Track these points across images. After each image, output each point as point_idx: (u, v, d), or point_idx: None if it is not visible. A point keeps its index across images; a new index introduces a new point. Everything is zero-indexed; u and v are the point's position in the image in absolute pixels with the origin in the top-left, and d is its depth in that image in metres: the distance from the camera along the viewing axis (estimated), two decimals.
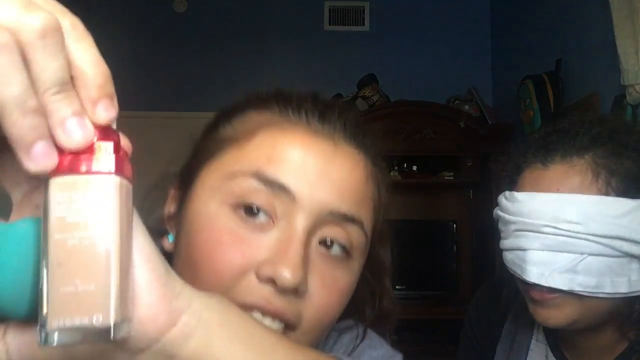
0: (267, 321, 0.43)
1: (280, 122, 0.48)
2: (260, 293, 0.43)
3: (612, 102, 1.97)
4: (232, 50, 3.58)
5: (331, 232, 0.46)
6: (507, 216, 0.69)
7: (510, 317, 0.82)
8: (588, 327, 0.69)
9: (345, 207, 0.45)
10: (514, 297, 0.80)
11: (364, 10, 3.64)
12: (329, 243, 0.46)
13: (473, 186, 3.31)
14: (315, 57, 3.58)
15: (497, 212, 0.73)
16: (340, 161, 0.46)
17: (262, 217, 0.44)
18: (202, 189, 0.47)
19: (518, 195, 0.68)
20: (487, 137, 3.04)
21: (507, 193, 0.71)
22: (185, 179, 0.50)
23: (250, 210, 0.44)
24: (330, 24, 3.63)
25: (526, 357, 0.78)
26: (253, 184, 0.44)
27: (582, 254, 0.62)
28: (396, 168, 3.17)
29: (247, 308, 0.42)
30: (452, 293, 3.20)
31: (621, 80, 1.84)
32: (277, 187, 0.44)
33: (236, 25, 3.63)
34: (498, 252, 0.73)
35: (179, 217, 0.49)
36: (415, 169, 3.18)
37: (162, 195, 0.53)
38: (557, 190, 0.64)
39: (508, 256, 0.70)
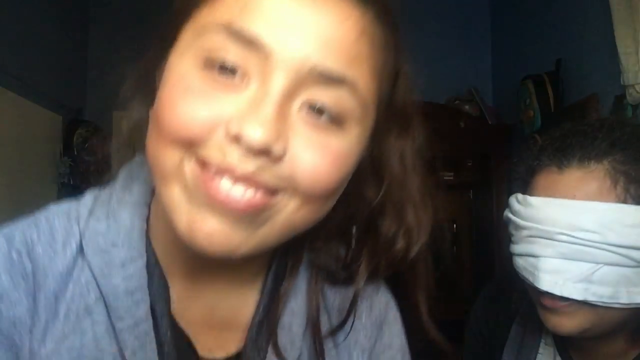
0: (239, 189, 0.37)
1: None
2: (229, 153, 0.37)
3: (612, 102, 1.96)
4: None
5: (317, 94, 0.38)
6: (519, 221, 0.66)
7: (518, 319, 0.80)
8: (600, 335, 0.67)
9: (330, 63, 0.38)
10: (521, 299, 0.78)
11: None
12: (317, 108, 0.39)
13: (473, 186, 3.30)
14: None
15: (508, 215, 0.70)
16: (327, 12, 0.38)
17: (236, 78, 0.38)
18: (175, 50, 0.42)
19: (532, 199, 0.65)
20: (487, 137, 3.03)
21: (519, 196, 0.68)
22: (169, 42, 0.44)
23: (224, 70, 0.38)
24: None
25: None
26: (223, 38, 0.38)
27: (597, 263, 0.60)
28: None
29: (217, 172, 0.38)
30: (452, 293, 3.20)
31: (621, 81, 1.84)
32: (249, 41, 0.37)
33: None
34: (498, 252, 0.71)
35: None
36: None
37: (156, 62, 0.48)
38: (574, 197, 0.61)
39: (519, 261, 0.67)
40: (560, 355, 0.75)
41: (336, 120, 0.40)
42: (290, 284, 0.49)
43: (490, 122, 3.09)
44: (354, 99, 0.40)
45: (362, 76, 0.40)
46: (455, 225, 3.29)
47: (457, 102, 3.14)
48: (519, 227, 0.67)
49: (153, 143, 0.40)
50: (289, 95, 0.38)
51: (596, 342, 0.69)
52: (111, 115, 3.63)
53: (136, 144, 0.48)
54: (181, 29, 0.42)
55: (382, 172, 0.49)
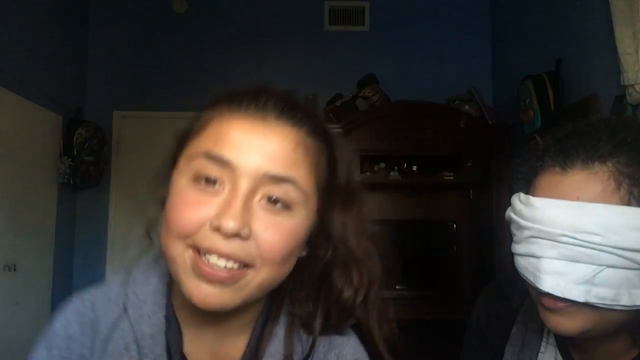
0: (222, 262, 0.55)
1: (226, 114, 0.60)
2: (214, 239, 0.55)
3: (612, 102, 1.96)
4: (232, 51, 3.58)
5: (270, 190, 0.57)
6: (521, 221, 0.66)
7: (519, 318, 0.80)
8: (600, 336, 0.67)
9: (275, 170, 0.57)
10: (523, 298, 0.77)
11: (364, 10, 3.63)
12: (272, 199, 0.57)
13: (473, 186, 3.30)
14: (315, 57, 3.58)
15: (510, 214, 0.69)
16: (270, 136, 0.58)
17: (216, 186, 0.56)
18: (176, 171, 0.60)
19: (534, 200, 0.65)
20: (487, 137, 3.03)
21: (522, 196, 0.67)
22: (171, 165, 0.62)
23: (208, 181, 0.56)
24: (330, 24, 3.62)
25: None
26: (205, 161, 0.57)
27: (600, 265, 0.60)
28: (396, 168, 3.16)
29: (206, 252, 0.55)
30: (452, 293, 3.20)
31: (621, 81, 1.84)
32: (221, 162, 0.56)
33: (236, 25, 3.62)
34: (498, 252, 0.71)
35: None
36: (415, 169, 3.17)
37: (164, 179, 0.64)
38: (577, 198, 0.61)
39: (520, 262, 0.66)
40: (562, 354, 0.75)
41: (286, 206, 0.57)
42: (271, 332, 0.64)
43: (490, 122, 3.09)
44: (297, 190, 0.58)
45: (301, 175, 0.58)
46: (455, 225, 3.29)
47: (457, 102, 3.14)
48: (520, 227, 0.66)
49: (164, 236, 0.58)
50: (251, 193, 0.56)
51: (597, 342, 0.69)
52: (111, 115, 3.63)
53: (152, 233, 0.66)
54: (179, 157, 0.61)
55: (329, 238, 0.64)
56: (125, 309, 0.64)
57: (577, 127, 0.67)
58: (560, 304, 0.63)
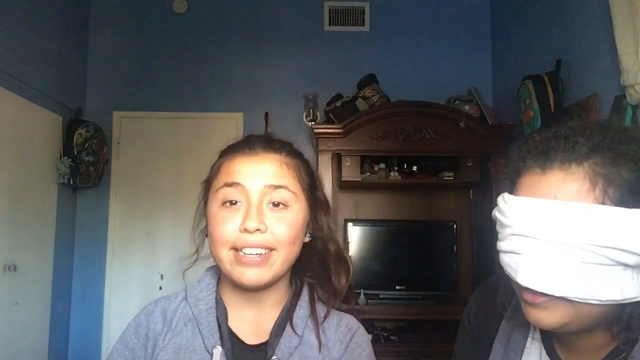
0: (254, 251, 0.80)
1: (231, 157, 0.87)
2: (244, 238, 0.80)
3: (612, 103, 1.97)
4: (232, 51, 3.58)
5: (272, 196, 0.83)
6: (504, 219, 0.70)
7: (507, 315, 0.83)
8: (580, 330, 0.70)
9: (271, 182, 0.83)
10: (510, 295, 0.81)
11: (364, 10, 3.64)
12: (275, 202, 0.83)
13: (473, 186, 3.31)
14: (315, 57, 3.58)
15: (495, 213, 0.73)
16: (262, 162, 0.85)
17: (237, 205, 0.82)
18: (208, 204, 0.87)
19: (515, 199, 0.69)
20: (487, 137, 3.03)
21: (505, 195, 0.72)
22: (204, 202, 0.90)
23: (231, 203, 0.82)
24: (330, 24, 3.63)
25: (522, 355, 0.80)
26: (226, 189, 0.83)
27: (576, 261, 0.63)
28: (396, 168, 3.16)
29: (242, 248, 0.80)
30: (452, 293, 3.20)
31: (621, 81, 1.84)
32: (236, 186, 0.83)
33: (236, 25, 3.63)
34: (498, 252, 0.73)
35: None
36: (415, 170, 3.17)
37: (201, 215, 0.92)
38: (555, 197, 0.65)
39: (504, 258, 0.71)
40: (546, 349, 0.78)
41: (285, 205, 0.83)
42: (297, 301, 0.89)
43: (490, 122, 3.09)
44: (289, 193, 0.84)
45: (289, 182, 0.85)
46: (455, 226, 3.29)
47: (457, 102, 3.15)
48: (503, 225, 0.70)
49: (212, 247, 0.83)
50: (260, 201, 0.82)
51: (577, 336, 0.73)
52: (111, 115, 3.64)
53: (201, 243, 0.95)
54: (209, 191, 0.87)
55: (322, 233, 0.91)
56: (185, 298, 0.90)
57: (557, 130, 0.71)
58: (540, 299, 0.67)
